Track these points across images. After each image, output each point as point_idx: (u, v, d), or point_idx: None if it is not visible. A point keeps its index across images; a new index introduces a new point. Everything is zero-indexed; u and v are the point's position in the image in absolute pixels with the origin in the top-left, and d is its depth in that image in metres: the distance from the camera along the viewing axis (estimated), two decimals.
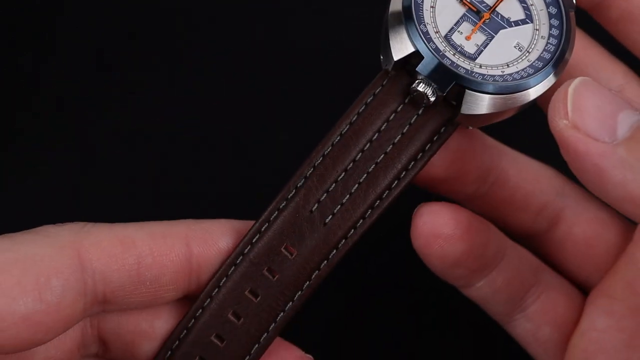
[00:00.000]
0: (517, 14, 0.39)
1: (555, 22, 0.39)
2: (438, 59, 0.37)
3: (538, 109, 0.41)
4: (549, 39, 0.38)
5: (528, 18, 0.39)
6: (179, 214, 0.39)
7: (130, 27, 0.53)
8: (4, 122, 0.51)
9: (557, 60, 0.38)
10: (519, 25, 0.39)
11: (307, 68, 0.52)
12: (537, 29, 0.39)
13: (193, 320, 0.37)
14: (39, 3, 0.53)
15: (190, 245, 0.37)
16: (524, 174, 0.41)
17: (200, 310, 0.37)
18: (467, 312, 0.46)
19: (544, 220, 0.42)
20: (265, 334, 0.38)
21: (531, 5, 0.39)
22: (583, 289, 0.43)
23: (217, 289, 0.37)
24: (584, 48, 0.41)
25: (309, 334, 0.41)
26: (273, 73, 0.52)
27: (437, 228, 0.38)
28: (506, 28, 0.39)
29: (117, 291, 0.36)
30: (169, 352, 0.37)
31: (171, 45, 0.53)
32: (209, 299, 0.37)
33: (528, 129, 0.44)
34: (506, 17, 0.39)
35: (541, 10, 0.39)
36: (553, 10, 0.39)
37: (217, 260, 0.37)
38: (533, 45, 0.38)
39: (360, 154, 0.38)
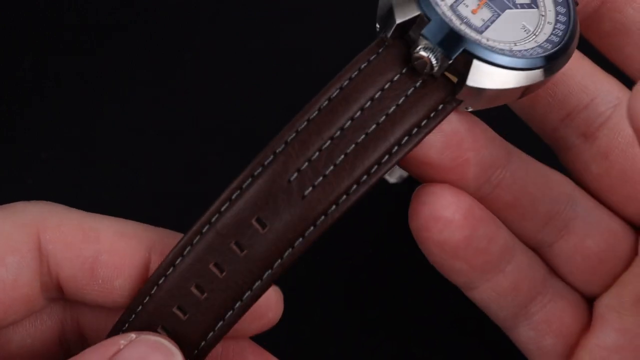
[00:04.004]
0: None
1: (562, 10, 0.37)
2: (446, 22, 0.34)
3: None
4: (556, 24, 0.36)
5: (533, 3, 0.37)
6: (178, 213, 0.38)
7: (130, 25, 0.53)
8: (3, 121, 0.51)
9: (566, 44, 0.36)
10: (525, 8, 0.37)
11: (307, 68, 0.51)
12: (542, 15, 0.37)
13: (156, 288, 0.33)
14: (40, 3, 0.53)
15: (151, 254, 0.35)
16: (532, 178, 0.38)
17: (163, 279, 0.33)
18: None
19: (551, 230, 0.38)
20: (231, 312, 0.33)
21: None
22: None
23: (180, 258, 0.33)
24: (581, 58, 0.39)
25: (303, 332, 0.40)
26: (274, 72, 0.52)
27: (436, 210, 0.35)
28: (512, 9, 0.36)
29: (69, 281, 0.35)
30: (133, 316, 0.34)
31: (172, 43, 0.52)
32: (171, 268, 0.33)
33: (533, 134, 0.41)
34: None
35: None
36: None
37: None
38: (540, 29, 0.36)
39: (349, 122, 0.34)
